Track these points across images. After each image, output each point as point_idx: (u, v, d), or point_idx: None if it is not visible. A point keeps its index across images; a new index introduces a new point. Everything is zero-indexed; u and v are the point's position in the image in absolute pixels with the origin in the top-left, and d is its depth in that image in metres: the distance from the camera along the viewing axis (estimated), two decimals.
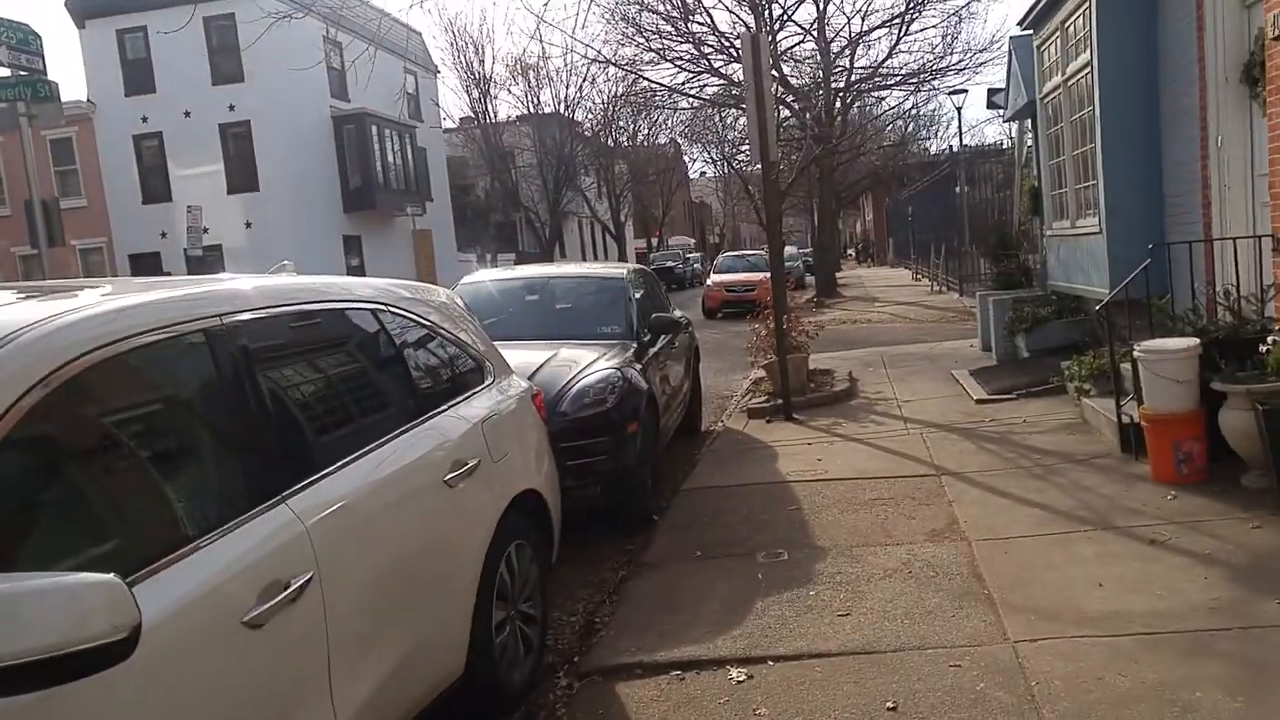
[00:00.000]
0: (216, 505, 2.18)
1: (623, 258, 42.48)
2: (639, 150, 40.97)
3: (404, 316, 3.47)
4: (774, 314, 8.12)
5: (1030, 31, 9.39)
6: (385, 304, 3.38)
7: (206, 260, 20.28)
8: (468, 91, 36.90)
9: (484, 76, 36.27)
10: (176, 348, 2.25)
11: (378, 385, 3.23)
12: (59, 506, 1.89)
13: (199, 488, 2.22)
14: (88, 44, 24.90)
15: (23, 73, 10.84)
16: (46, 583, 1.55)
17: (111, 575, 1.58)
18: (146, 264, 24.87)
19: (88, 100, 24.59)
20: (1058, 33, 8.38)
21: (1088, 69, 7.52)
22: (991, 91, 21.15)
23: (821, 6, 19.60)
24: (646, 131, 37.94)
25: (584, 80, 35.10)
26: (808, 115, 19.44)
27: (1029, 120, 12.44)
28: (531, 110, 37.25)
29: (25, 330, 1.89)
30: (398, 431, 2.99)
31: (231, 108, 24.50)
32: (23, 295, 2.62)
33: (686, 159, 47.98)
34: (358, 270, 26.86)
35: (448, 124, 36.93)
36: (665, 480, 5.94)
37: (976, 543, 4.23)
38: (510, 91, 46.92)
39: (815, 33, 19.79)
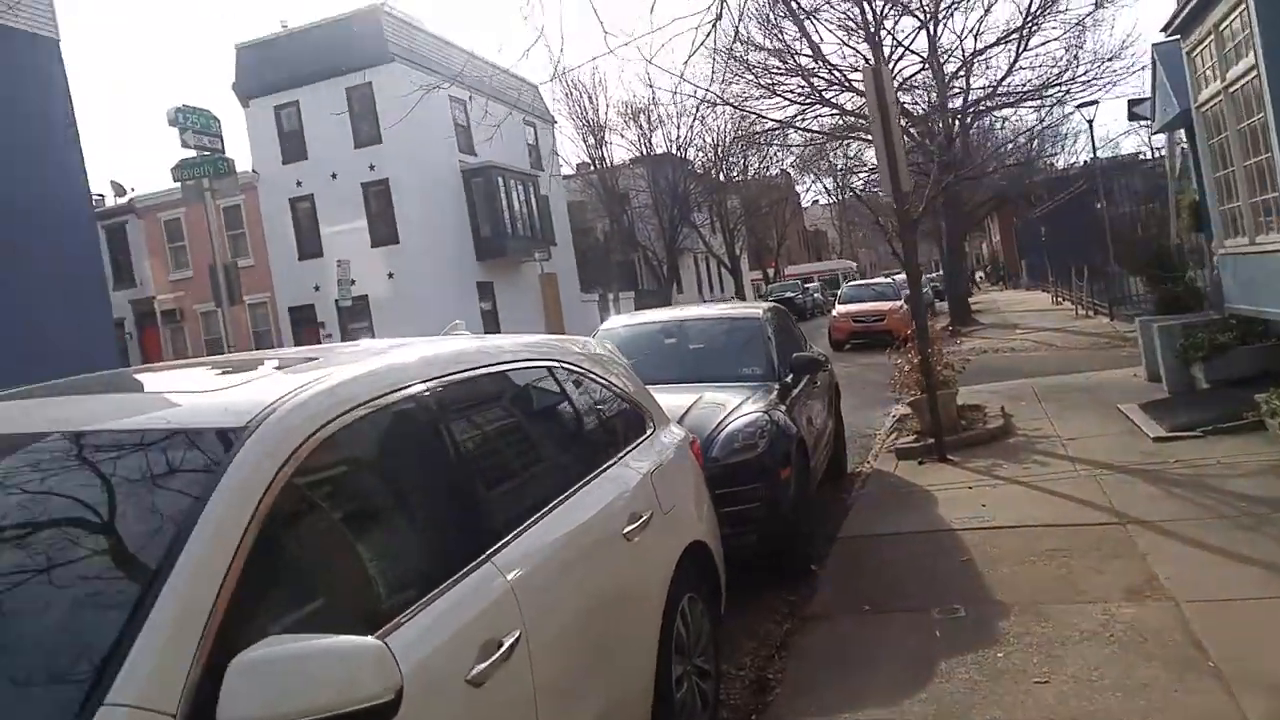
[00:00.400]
0: (437, 564, 2.24)
1: (739, 291, 42.38)
2: (750, 183, 41.03)
3: (575, 371, 3.55)
4: (917, 346, 7.87)
5: (1177, 37, 8.81)
6: (559, 360, 3.47)
7: (355, 310, 21.51)
8: (584, 139, 37.98)
9: (598, 124, 37.30)
10: (395, 414, 2.36)
11: (557, 440, 3.31)
12: (308, 571, 1.99)
13: (422, 547, 2.31)
14: (251, 120, 27.17)
15: (205, 153, 11.99)
16: (322, 644, 1.62)
17: (376, 639, 1.65)
18: (303, 315, 26.74)
19: (252, 170, 26.70)
20: (1211, 37, 7.82)
21: (1253, 73, 6.96)
22: (1133, 102, 20.00)
23: (932, 30, 19.14)
24: (758, 165, 38.00)
25: (694, 120, 35.49)
26: (928, 141, 18.95)
27: (1182, 131, 11.68)
28: (644, 153, 37.95)
29: (276, 406, 2.01)
30: (577, 486, 3.04)
31: (372, 167, 26.07)
32: (240, 371, 2.81)
33: (799, 189, 47.68)
34: (490, 314, 27.84)
35: (566, 171, 38.10)
36: (819, 527, 5.79)
37: (1186, 604, 3.82)
38: (623, 136, 47.94)
39: (927, 56, 19.33)
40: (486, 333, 26.39)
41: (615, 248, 38.36)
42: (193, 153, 12.25)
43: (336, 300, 21.32)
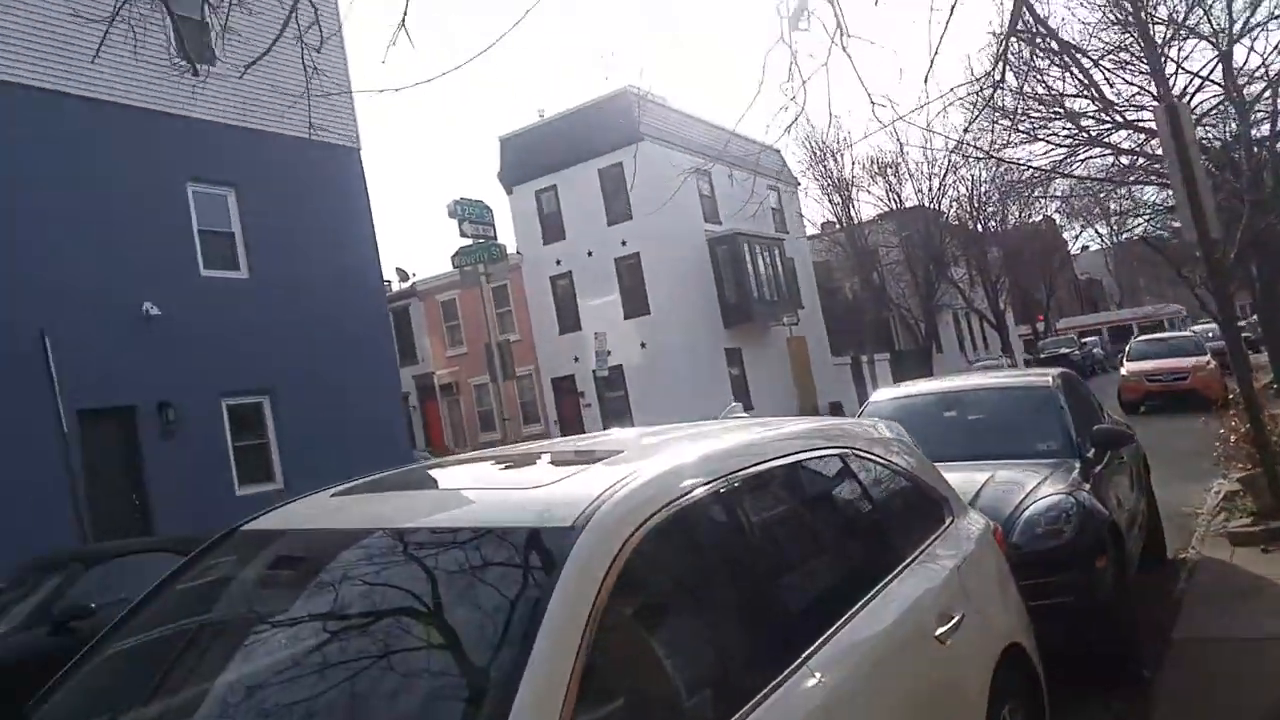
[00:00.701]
0: (755, 666, 2.14)
1: (1005, 347, 39.61)
2: (1010, 233, 38.54)
3: (867, 458, 3.35)
4: (1245, 409, 6.79)
5: None
6: (850, 447, 3.30)
7: (611, 379, 22.55)
8: (828, 198, 37.66)
9: (843, 181, 36.86)
10: (704, 509, 2.31)
11: (857, 533, 3.13)
12: (638, 674, 1.96)
13: (740, 649, 2.22)
14: (515, 205, 29.70)
15: (480, 240, 13.23)
16: None
17: None
18: (564, 385, 28.44)
19: (516, 251, 29.05)
20: None
21: None
22: None
23: (1226, 47, 16.90)
24: (1019, 214, 35.63)
25: (945, 171, 34.09)
26: (1231, 176, 16.68)
27: None
28: (893, 207, 36.93)
29: (599, 504, 2.01)
30: (883, 583, 2.83)
31: (623, 243, 27.42)
32: (535, 464, 2.89)
33: (1066, 235, 44.14)
34: (739, 380, 28.00)
35: (811, 230, 37.92)
36: (1144, 624, 5.02)
37: None
38: (869, 192, 46.87)
39: (1223, 82, 17.07)
40: (736, 398, 26.53)
41: (866, 307, 37.44)
42: (469, 240, 13.57)
43: (594, 371, 22.43)
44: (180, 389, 13.08)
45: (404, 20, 5.74)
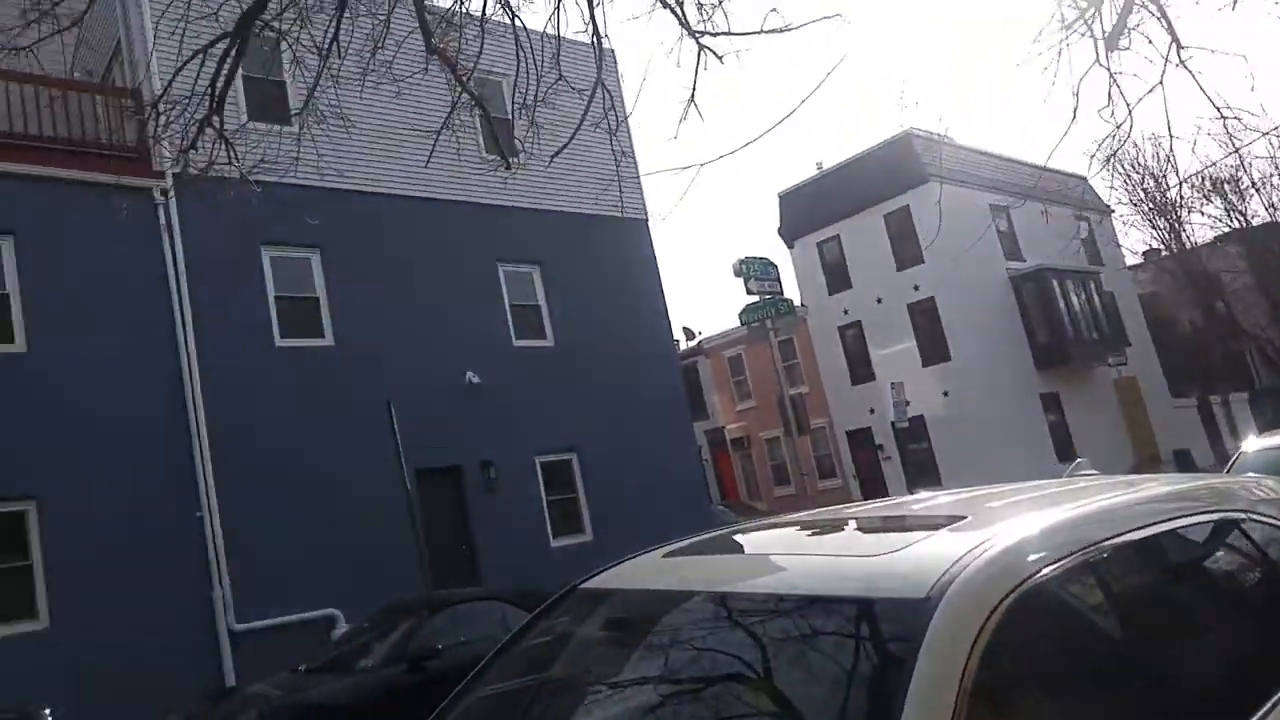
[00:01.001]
0: None
1: None
2: None
3: (1265, 524, 2.75)
4: None
5: None
6: (1241, 510, 2.74)
7: (912, 430, 21.45)
8: (1152, 224, 33.39)
9: (1168, 204, 32.51)
10: (1072, 582, 2.04)
11: (1265, 617, 2.55)
12: None
13: None
14: (797, 259, 29.75)
15: (767, 295, 13.30)
16: None
17: None
18: (860, 438, 27.61)
19: (801, 304, 28.96)
20: None
21: None
22: None
23: None
24: None
25: None
26: None
27: None
28: (1239, 225, 31.92)
29: (953, 575, 1.81)
30: None
31: (916, 288, 26.27)
32: (854, 529, 2.68)
33: None
34: (1058, 427, 25.43)
35: (1132, 260, 33.86)
36: None
37: None
38: (1202, 212, 40.27)
39: None
40: (1057, 449, 24.02)
41: (1212, 341, 32.43)
42: (755, 297, 13.69)
43: (893, 422, 21.49)
44: (499, 449, 14.38)
45: (693, 96, 5.95)
